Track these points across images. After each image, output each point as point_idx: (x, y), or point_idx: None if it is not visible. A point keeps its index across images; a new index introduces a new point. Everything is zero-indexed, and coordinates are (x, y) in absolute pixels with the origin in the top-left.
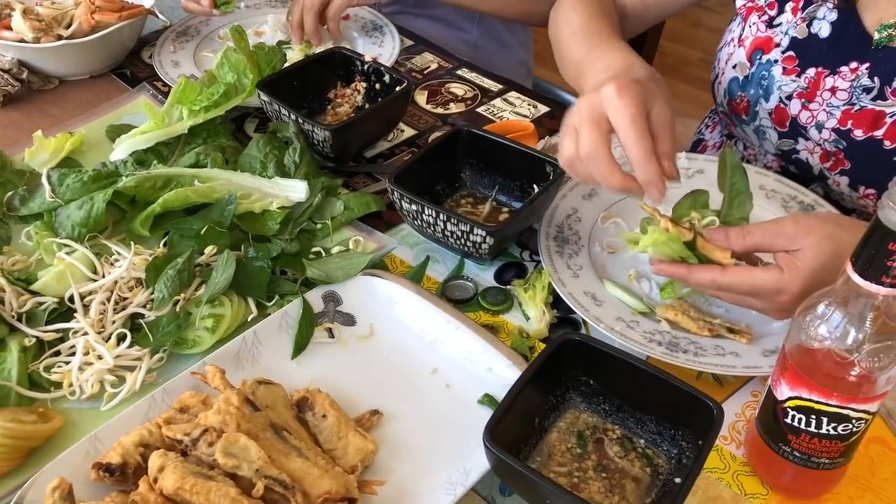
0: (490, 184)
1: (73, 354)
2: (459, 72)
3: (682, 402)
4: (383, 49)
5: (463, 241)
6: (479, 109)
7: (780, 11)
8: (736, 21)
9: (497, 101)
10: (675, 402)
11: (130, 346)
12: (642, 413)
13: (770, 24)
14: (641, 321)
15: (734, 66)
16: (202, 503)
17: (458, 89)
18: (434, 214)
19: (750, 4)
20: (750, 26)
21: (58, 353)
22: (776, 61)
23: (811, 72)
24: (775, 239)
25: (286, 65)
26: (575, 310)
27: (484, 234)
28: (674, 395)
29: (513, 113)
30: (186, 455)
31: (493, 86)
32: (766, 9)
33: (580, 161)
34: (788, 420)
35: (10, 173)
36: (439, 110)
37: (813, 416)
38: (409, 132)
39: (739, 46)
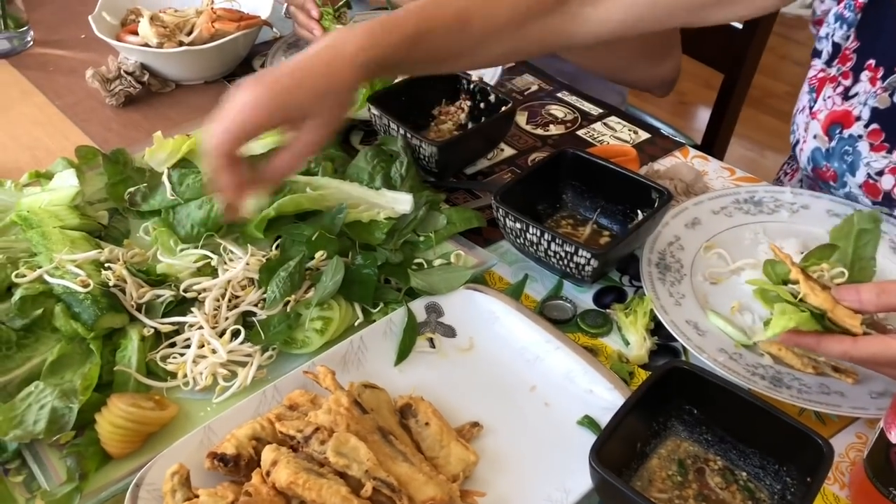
0: (592, 207)
1: (187, 347)
2: (559, 94)
3: (788, 438)
4: (485, 70)
5: (566, 261)
6: (578, 132)
7: (856, 80)
8: (805, 88)
9: (597, 125)
10: (781, 437)
11: (242, 342)
12: (746, 446)
13: (846, 95)
14: (744, 354)
15: (814, 137)
16: (314, 498)
17: (558, 111)
18: (538, 234)
19: (822, 75)
20: (825, 99)
21: (173, 345)
22: (860, 136)
23: None
24: None
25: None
26: (677, 338)
27: (589, 255)
28: (780, 429)
29: (613, 137)
30: (296, 451)
31: (594, 109)
32: (840, 79)
33: None
34: None
35: (131, 171)
36: (539, 131)
37: None
38: (508, 151)
39: (813, 119)
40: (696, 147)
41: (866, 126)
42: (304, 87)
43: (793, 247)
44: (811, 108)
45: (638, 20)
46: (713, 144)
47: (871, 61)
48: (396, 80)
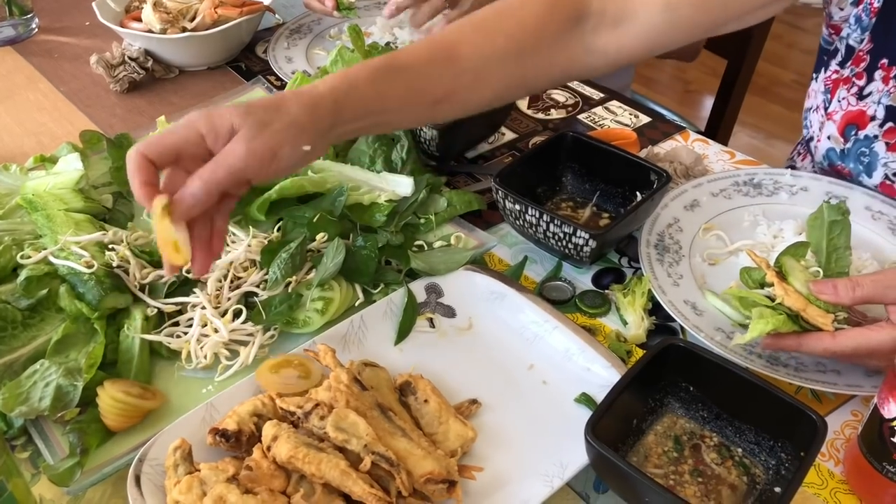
0: (591, 189)
1: (190, 326)
2: None
3: (783, 414)
4: None
5: (564, 242)
6: (579, 116)
7: (870, 80)
8: (820, 88)
9: (598, 109)
10: (776, 414)
11: (244, 322)
12: (741, 422)
13: (860, 95)
14: (741, 333)
15: (829, 137)
16: (313, 472)
17: (559, 96)
18: (537, 215)
19: (836, 77)
20: (839, 101)
21: (176, 324)
22: (876, 137)
23: None
24: (887, 291)
25: None
26: (675, 318)
27: (587, 236)
28: (776, 406)
29: (614, 121)
30: (297, 427)
31: (595, 94)
32: (854, 80)
33: None
34: (895, 439)
35: None
36: (540, 115)
37: None
38: (509, 135)
39: (829, 120)
40: (699, 133)
41: (881, 125)
42: (256, 105)
43: (791, 228)
44: (826, 108)
45: (655, 44)
46: (717, 131)
47: (885, 60)
48: None
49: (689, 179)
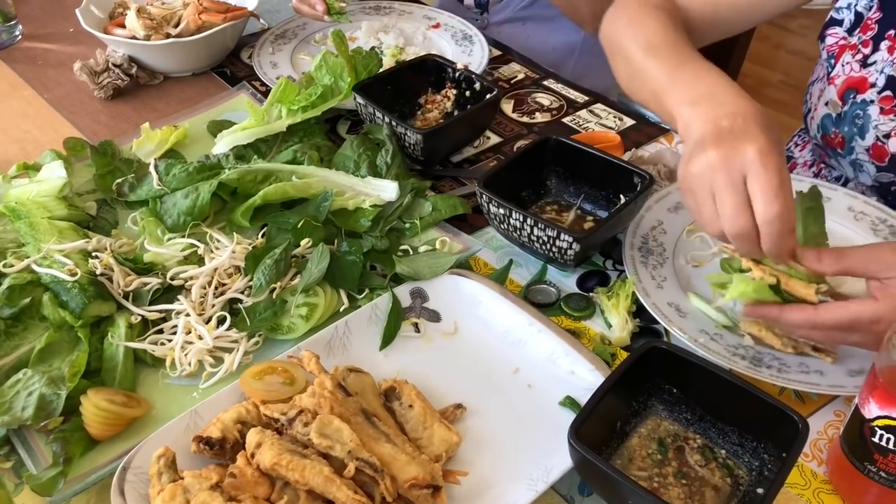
0: (575, 192)
1: (174, 333)
2: (546, 82)
3: (766, 415)
4: (472, 58)
5: (549, 246)
6: (564, 120)
7: (875, 49)
8: (823, 56)
9: (582, 112)
10: (759, 415)
11: (229, 329)
12: (725, 424)
13: (864, 63)
14: (725, 335)
15: (826, 104)
16: (297, 479)
17: (544, 99)
18: (521, 219)
19: (843, 43)
20: (843, 65)
21: (161, 332)
22: (872, 101)
23: None
24: (869, 264)
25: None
26: (659, 320)
27: (571, 240)
28: (758, 407)
29: (598, 124)
30: (281, 434)
31: (579, 97)
32: (861, 47)
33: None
34: (876, 439)
35: (119, 161)
36: (525, 119)
37: None
38: (494, 139)
39: (830, 84)
40: None
41: (879, 92)
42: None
43: None
44: (829, 74)
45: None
46: None
47: (892, 31)
48: (382, 69)
49: (672, 182)
